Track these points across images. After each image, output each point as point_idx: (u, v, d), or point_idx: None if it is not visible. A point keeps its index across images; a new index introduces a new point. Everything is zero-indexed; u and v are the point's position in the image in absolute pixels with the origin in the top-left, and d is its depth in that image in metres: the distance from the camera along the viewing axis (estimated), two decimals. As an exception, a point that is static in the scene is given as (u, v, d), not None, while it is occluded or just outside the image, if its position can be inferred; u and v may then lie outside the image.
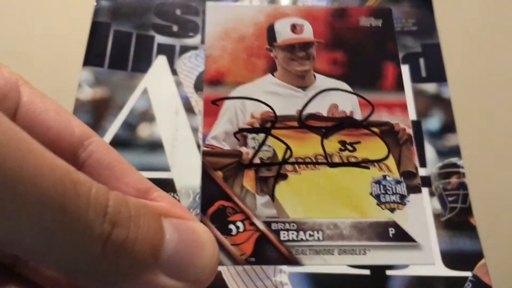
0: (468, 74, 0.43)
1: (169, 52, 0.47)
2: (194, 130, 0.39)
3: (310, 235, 0.33)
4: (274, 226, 0.33)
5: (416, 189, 0.35)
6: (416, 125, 0.39)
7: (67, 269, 0.19)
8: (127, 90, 0.46)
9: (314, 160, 0.36)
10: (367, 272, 0.33)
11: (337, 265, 0.32)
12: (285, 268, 0.33)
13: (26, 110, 0.25)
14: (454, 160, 0.39)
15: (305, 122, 0.37)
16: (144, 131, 0.44)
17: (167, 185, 0.39)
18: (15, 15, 0.52)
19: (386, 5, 0.43)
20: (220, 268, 0.32)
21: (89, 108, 0.45)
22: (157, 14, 0.49)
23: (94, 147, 0.27)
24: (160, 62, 0.47)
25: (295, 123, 0.37)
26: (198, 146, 0.38)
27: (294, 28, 0.40)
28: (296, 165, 0.35)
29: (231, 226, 0.33)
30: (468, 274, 0.35)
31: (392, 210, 0.34)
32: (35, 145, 0.18)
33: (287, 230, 0.33)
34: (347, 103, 0.38)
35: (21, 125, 0.25)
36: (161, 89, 0.45)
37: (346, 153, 0.36)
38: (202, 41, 0.42)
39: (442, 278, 0.34)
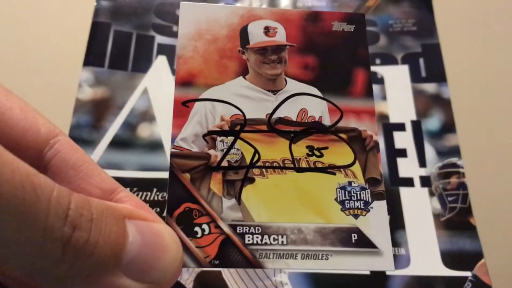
0: (468, 74, 0.44)
1: (169, 52, 0.46)
2: (195, 130, 0.39)
3: (274, 239, 0.34)
4: (239, 229, 0.34)
5: (379, 196, 0.36)
6: (416, 125, 0.39)
7: (26, 271, 0.20)
8: (127, 90, 0.46)
9: (282, 165, 0.36)
10: (367, 272, 0.34)
11: (300, 269, 0.33)
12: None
13: None
14: (454, 160, 0.40)
15: (274, 126, 0.37)
16: (144, 131, 0.44)
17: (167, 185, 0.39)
18: (16, 16, 0.51)
19: (385, 6, 0.44)
20: (220, 268, 0.33)
21: (89, 108, 0.45)
22: (157, 14, 0.48)
23: (60, 146, 0.27)
24: (160, 62, 0.47)
25: (264, 127, 0.37)
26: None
27: (267, 30, 0.40)
28: (263, 169, 0.36)
29: (197, 229, 0.33)
30: (468, 274, 0.35)
31: (355, 216, 0.35)
32: None
33: (252, 233, 0.34)
34: (317, 108, 0.39)
35: None
36: (161, 89, 0.45)
37: (313, 158, 0.36)
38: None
39: (442, 278, 0.35)
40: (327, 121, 0.38)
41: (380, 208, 0.35)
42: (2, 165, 0.17)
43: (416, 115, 0.41)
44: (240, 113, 0.37)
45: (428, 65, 0.44)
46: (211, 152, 0.36)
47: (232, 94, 0.38)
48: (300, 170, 0.36)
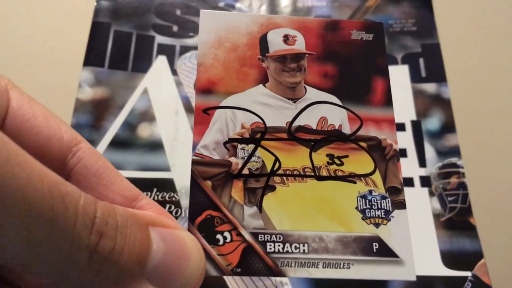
0: (468, 74, 0.44)
1: (169, 52, 0.47)
2: (195, 130, 0.39)
3: (296, 248, 0.34)
4: (260, 237, 0.34)
5: (400, 205, 0.36)
6: (416, 125, 0.40)
7: (53, 278, 0.20)
8: (127, 90, 0.46)
9: (302, 173, 0.36)
10: None
11: (322, 278, 0.33)
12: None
13: (15, 115, 0.25)
14: (454, 160, 0.40)
15: (294, 134, 0.37)
16: (144, 131, 0.44)
17: (167, 185, 0.39)
18: (16, 16, 0.52)
19: (385, 6, 0.44)
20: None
21: (89, 108, 0.45)
22: (157, 14, 0.49)
23: (82, 153, 0.27)
24: (160, 62, 0.47)
25: (284, 135, 0.37)
26: (199, 146, 0.38)
27: (286, 39, 0.40)
28: (284, 177, 0.36)
29: (219, 236, 0.34)
30: (468, 274, 0.35)
31: (376, 225, 0.35)
32: (25, 156, 0.18)
33: (274, 242, 0.34)
34: (336, 116, 0.39)
35: (10, 130, 0.25)
36: (161, 89, 0.45)
37: (334, 166, 0.37)
38: (203, 41, 0.42)
39: (442, 278, 0.35)
40: (347, 129, 0.38)
41: (401, 217, 0.35)
42: (32, 173, 0.18)
43: (416, 115, 0.41)
44: (260, 121, 0.38)
45: (428, 65, 0.44)
46: (232, 159, 0.36)
47: (252, 102, 0.38)
48: (320, 178, 0.36)
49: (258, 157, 0.37)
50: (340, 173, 0.36)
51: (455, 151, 0.41)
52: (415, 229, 0.36)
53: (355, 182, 0.36)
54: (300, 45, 0.41)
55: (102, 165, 0.28)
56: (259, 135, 0.37)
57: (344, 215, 0.35)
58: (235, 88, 0.39)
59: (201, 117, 0.38)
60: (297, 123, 0.38)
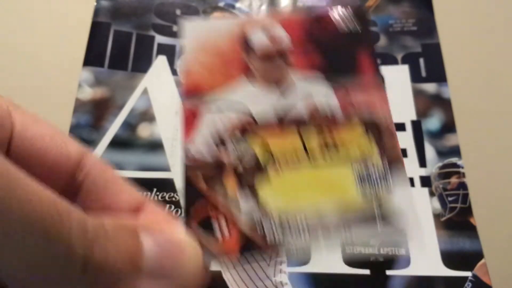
0: (468, 74, 0.43)
1: (169, 52, 0.47)
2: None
3: (296, 236, 0.33)
4: (259, 229, 0.33)
5: (401, 179, 0.35)
6: (416, 125, 0.39)
7: None
8: (127, 90, 0.46)
9: (297, 160, 0.36)
10: (367, 272, 0.33)
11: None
12: (285, 268, 0.33)
13: (22, 138, 0.26)
14: (454, 160, 0.39)
15: (285, 124, 0.37)
16: (144, 131, 0.45)
17: (167, 185, 0.40)
18: (16, 15, 0.53)
19: (385, 6, 0.44)
20: (220, 268, 0.33)
21: (89, 108, 0.46)
22: (157, 14, 0.50)
23: (90, 168, 0.28)
24: (160, 62, 0.48)
25: (275, 126, 0.37)
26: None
27: (269, 36, 0.41)
28: (278, 167, 0.36)
29: (217, 232, 0.33)
30: (468, 274, 0.35)
31: (378, 200, 0.34)
32: (24, 179, 0.19)
33: (272, 231, 0.33)
34: (326, 101, 0.38)
35: (17, 154, 0.26)
36: (161, 89, 0.46)
37: (328, 150, 0.36)
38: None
39: (442, 278, 0.34)
40: (338, 112, 0.38)
41: (402, 189, 0.35)
42: (31, 196, 0.19)
43: (416, 115, 0.41)
44: (250, 117, 0.38)
45: (428, 65, 0.44)
46: (225, 158, 0.36)
47: (240, 100, 0.39)
48: (315, 163, 0.36)
49: (251, 152, 0.37)
50: (335, 157, 0.36)
51: (455, 151, 0.40)
52: (415, 229, 0.36)
53: (351, 164, 0.36)
54: (284, 41, 0.41)
55: (110, 177, 0.28)
56: (250, 131, 0.37)
57: (343, 196, 0.34)
58: (222, 89, 0.39)
59: (191, 120, 0.38)
60: (287, 113, 0.38)
